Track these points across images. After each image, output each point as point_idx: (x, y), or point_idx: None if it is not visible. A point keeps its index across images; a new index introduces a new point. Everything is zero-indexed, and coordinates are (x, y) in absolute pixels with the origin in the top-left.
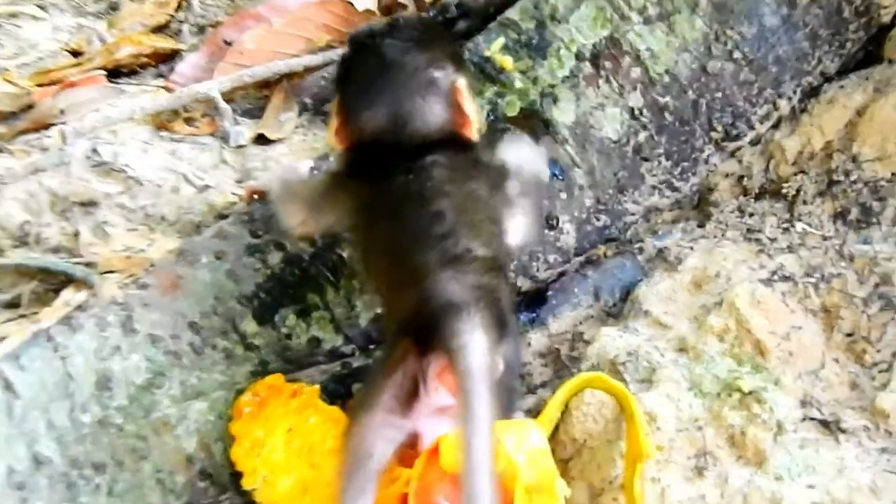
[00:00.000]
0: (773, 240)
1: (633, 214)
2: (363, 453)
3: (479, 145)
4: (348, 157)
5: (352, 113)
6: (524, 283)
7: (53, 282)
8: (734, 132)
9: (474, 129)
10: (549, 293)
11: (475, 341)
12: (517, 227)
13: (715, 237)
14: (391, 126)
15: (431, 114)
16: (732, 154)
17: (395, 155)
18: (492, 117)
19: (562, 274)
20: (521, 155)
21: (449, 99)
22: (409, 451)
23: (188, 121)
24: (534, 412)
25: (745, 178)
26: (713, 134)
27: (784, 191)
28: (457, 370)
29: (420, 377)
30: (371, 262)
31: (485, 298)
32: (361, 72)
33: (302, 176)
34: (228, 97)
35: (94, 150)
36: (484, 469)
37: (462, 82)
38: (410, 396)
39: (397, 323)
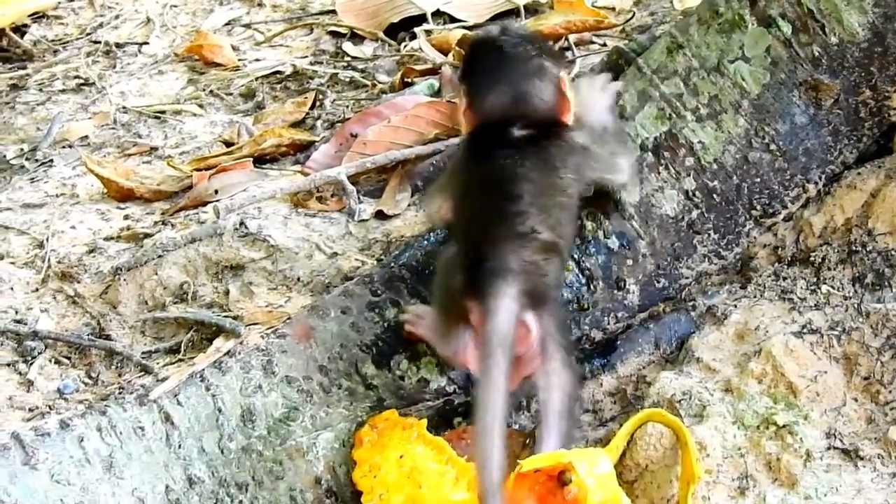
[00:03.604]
0: (802, 299)
1: (686, 278)
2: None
3: (571, 129)
4: (464, 143)
5: (477, 95)
6: (597, 335)
7: (207, 332)
8: (770, 210)
9: (572, 116)
10: (618, 343)
11: (503, 308)
12: (622, 168)
13: (755, 297)
14: (512, 104)
15: (544, 95)
16: (769, 228)
17: (501, 138)
18: None
19: (628, 327)
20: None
21: (556, 86)
22: None
23: (320, 199)
24: (604, 441)
25: (780, 249)
26: (753, 212)
27: (812, 259)
28: (483, 328)
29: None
30: (460, 220)
31: (530, 273)
32: (484, 62)
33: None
34: (353, 180)
35: (243, 224)
36: (495, 425)
37: (565, 74)
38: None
39: (462, 272)
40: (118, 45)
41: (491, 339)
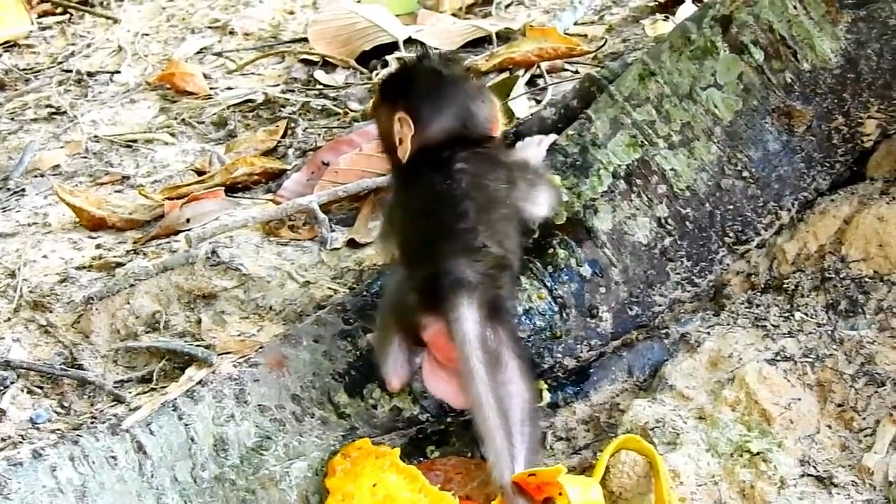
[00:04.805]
0: (776, 326)
1: (660, 305)
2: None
3: (500, 142)
4: (398, 175)
5: (425, 119)
6: (570, 363)
7: (179, 361)
8: (743, 238)
9: (500, 132)
10: (591, 370)
11: (469, 315)
12: (541, 201)
13: (728, 324)
14: (459, 124)
15: (485, 113)
16: (742, 256)
17: (437, 158)
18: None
19: (601, 354)
20: (529, 152)
21: (491, 104)
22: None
23: (292, 228)
24: (577, 469)
25: (753, 276)
26: (726, 239)
27: (785, 286)
28: (453, 337)
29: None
30: (404, 242)
31: (487, 285)
32: (427, 87)
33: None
34: (325, 208)
35: (214, 252)
36: (487, 409)
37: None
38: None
39: (416, 291)
40: (90, 74)
41: (464, 346)
